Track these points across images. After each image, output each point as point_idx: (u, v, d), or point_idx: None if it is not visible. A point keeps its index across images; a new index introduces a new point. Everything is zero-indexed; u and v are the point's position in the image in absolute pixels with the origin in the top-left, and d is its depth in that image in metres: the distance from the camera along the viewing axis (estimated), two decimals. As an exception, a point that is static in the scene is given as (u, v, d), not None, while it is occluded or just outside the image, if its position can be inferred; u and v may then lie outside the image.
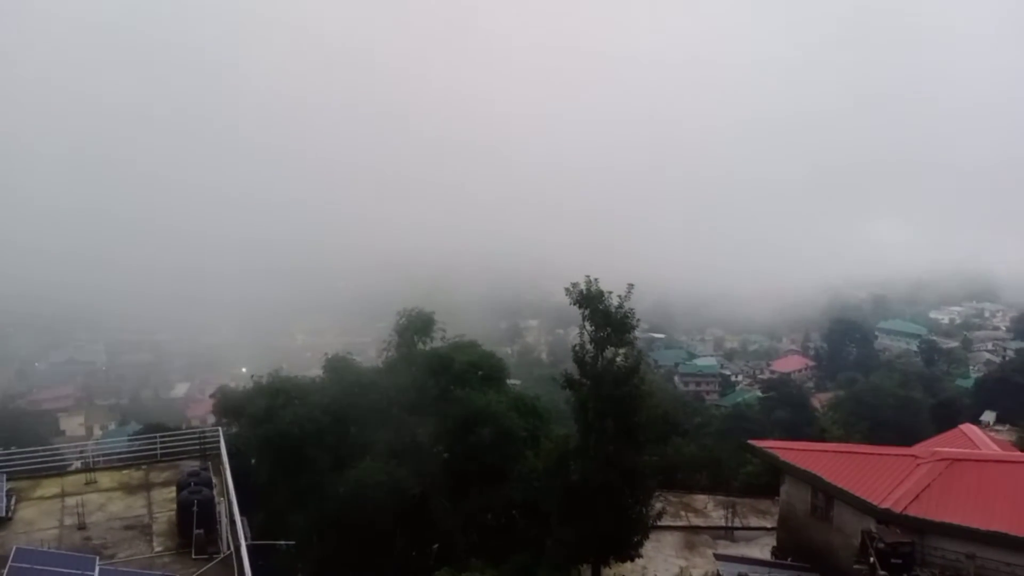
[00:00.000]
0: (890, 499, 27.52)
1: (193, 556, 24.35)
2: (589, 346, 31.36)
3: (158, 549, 25.17)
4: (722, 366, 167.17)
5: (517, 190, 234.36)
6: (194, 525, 24.73)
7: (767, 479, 40.85)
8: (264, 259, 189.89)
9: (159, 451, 32.12)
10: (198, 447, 32.22)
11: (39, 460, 31.00)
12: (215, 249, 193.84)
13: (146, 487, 29.57)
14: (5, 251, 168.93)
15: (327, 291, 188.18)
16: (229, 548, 24.56)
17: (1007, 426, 66.03)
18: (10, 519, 26.79)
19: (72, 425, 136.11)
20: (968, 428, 37.37)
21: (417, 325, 43.11)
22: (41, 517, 27.14)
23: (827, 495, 30.93)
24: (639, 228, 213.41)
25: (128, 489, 29.40)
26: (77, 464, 33.21)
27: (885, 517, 27.18)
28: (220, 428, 34.77)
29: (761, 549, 36.29)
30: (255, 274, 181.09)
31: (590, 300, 30.96)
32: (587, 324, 31.31)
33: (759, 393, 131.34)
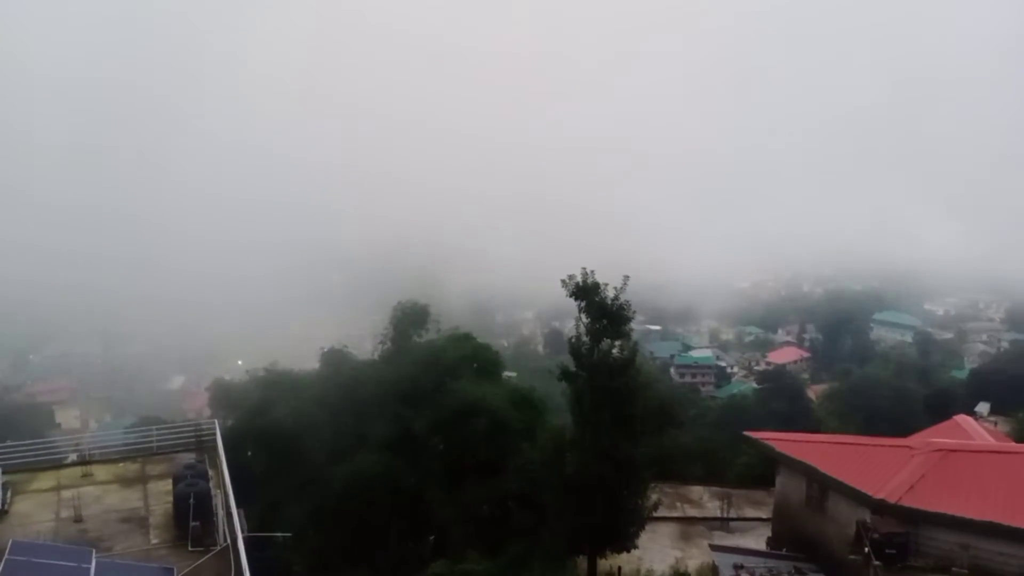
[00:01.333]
0: (885, 490, 27.61)
1: (190, 548, 24.36)
2: (585, 338, 31.40)
3: (155, 541, 25.16)
4: (718, 358, 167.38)
5: (512, 184, 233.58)
6: (191, 517, 24.74)
7: (762, 470, 40.97)
8: (259, 252, 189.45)
9: (155, 444, 32.10)
10: (194, 440, 32.19)
11: (35, 453, 30.98)
12: (210, 243, 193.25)
13: (142, 480, 29.53)
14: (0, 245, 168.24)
15: (323, 284, 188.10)
16: (226, 540, 24.58)
17: (1001, 417, 66.24)
18: (6, 512, 26.76)
19: (67, 418, 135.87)
20: (962, 419, 37.53)
21: (412, 318, 43.15)
22: (37, 510, 27.11)
23: (822, 486, 31.02)
24: (635, 221, 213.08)
25: (124, 482, 29.36)
26: (73, 457, 33.17)
27: (880, 508, 27.27)
28: (216, 421, 34.76)
29: (756, 540, 36.40)
30: (250, 267, 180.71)
31: (586, 292, 31.00)
32: (583, 316, 31.36)
33: (755, 384, 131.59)
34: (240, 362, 47.52)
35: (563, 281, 31.38)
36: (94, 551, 23.16)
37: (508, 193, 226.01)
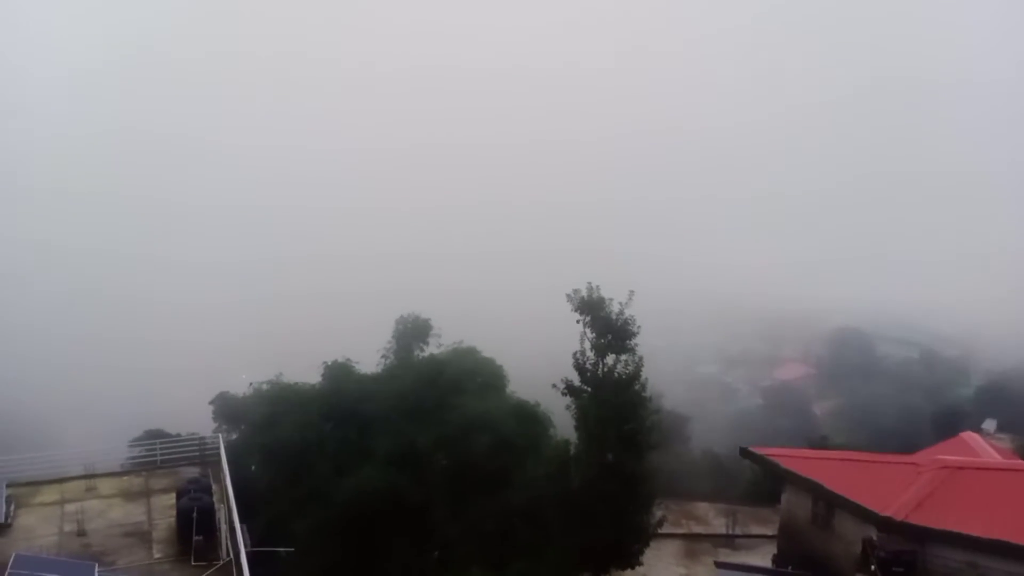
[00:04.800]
0: (891, 507, 27.44)
1: (193, 563, 24.35)
2: (590, 353, 31.36)
3: (157, 556, 25.15)
4: (723, 374, 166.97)
5: (520, 192, 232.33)
6: (194, 532, 24.72)
7: (768, 487, 40.78)
8: (263, 260, 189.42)
9: (159, 458, 32.13)
10: (198, 454, 32.23)
11: (38, 466, 31.01)
12: (213, 248, 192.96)
13: (146, 494, 29.54)
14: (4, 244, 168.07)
15: (327, 295, 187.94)
16: (229, 555, 24.54)
17: (1008, 434, 65.92)
18: (9, 525, 26.77)
19: (71, 431, 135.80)
20: (969, 436, 37.27)
21: (414, 332, 43.16)
22: (40, 523, 27.12)
23: (828, 503, 30.84)
24: (639, 232, 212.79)
25: (128, 496, 29.38)
26: (77, 470, 33.19)
27: (886, 525, 27.10)
28: (220, 435, 34.79)
29: (762, 557, 36.17)
30: (255, 277, 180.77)
31: (591, 307, 30.98)
32: (588, 331, 31.31)
33: (760, 401, 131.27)
34: (244, 376, 47.62)
35: (568, 295, 31.38)
36: (97, 565, 23.19)
37: (515, 203, 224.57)
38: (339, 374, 42.97)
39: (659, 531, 33.98)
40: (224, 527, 25.53)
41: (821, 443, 63.68)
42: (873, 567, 26.28)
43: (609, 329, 30.85)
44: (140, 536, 26.39)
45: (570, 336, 32.15)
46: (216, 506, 26.07)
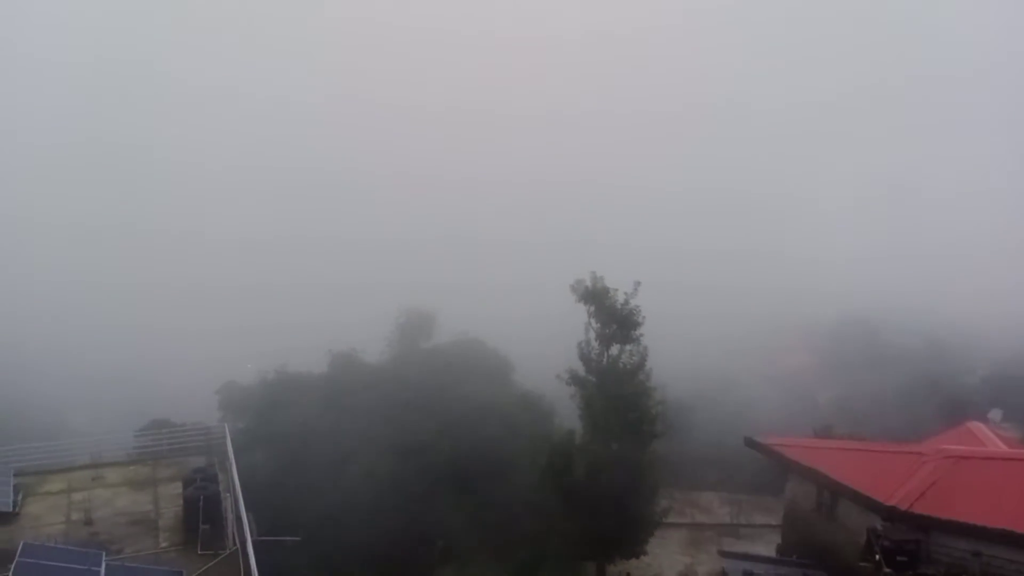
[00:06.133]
0: (896, 496, 27.41)
1: (199, 551, 24.44)
2: (594, 343, 31.35)
3: (164, 544, 25.26)
4: (727, 363, 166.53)
5: (527, 182, 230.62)
6: (200, 520, 24.82)
7: (772, 476, 40.80)
8: (268, 252, 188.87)
9: (165, 447, 32.26)
10: (204, 443, 32.33)
11: (45, 455, 31.15)
12: (219, 241, 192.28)
13: (152, 483, 29.67)
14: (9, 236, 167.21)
15: (333, 286, 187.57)
16: (235, 544, 24.63)
17: (1014, 423, 65.70)
18: (17, 514, 26.91)
19: (78, 421, 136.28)
20: (975, 426, 37.16)
21: (418, 323, 43.26)
22: (48, 512, 27.26)
23: (832, 492, 30.84)
24: (642, 221, 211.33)
25: (134, 485, 29.52)
26: (84, 460, 33.33)
27: (891, 514, 27.08)
28: (226, 424, 34.90)
29: (766, 546, 36.24)
30: (260, 268, 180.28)
31: (595, 297, 30.95)
32: (592, 321, 31.29)
33: (764, 390, 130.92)
34: (250, 365, 47.75)
35: (572, 286, 31.35)
36: (104, 554, 23.28)
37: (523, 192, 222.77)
38: (344, 364, 43.10)
39: (664, 520, 34.04)
40: (230, 516, 25.61)
41: (825, 432, 63.58)
42: (877, 556, 26.28)
43: (614, 319, 30.82)
44: (147, 525, 26.51)
45: (575, 326, 32.09)
46: (222, 495, 26.16)
